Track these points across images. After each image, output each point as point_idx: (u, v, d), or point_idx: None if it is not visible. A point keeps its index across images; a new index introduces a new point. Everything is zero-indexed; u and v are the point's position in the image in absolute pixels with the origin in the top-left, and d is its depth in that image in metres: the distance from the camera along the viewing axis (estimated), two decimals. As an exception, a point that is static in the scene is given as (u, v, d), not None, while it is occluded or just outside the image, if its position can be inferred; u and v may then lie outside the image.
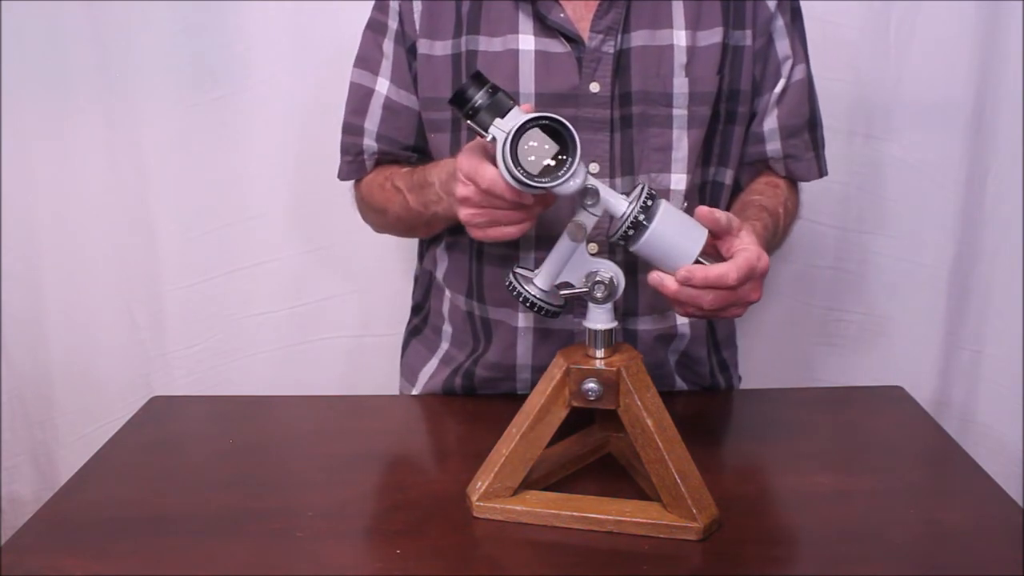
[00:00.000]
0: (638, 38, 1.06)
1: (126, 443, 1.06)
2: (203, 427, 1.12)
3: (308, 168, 1.54)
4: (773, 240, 1.07)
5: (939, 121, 1.50)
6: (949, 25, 1.46)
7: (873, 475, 0.96)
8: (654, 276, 0.88)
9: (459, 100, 0.84)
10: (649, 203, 0.84)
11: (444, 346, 1.21)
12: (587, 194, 0.85)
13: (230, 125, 1.54)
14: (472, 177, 0.87)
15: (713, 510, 0.85)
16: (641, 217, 0.84)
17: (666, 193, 1.08)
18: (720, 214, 0.89)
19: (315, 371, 1.64)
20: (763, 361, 1.55)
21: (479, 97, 0.83)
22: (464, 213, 0.90)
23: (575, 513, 0.86)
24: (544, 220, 1.08)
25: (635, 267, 1.06)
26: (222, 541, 0.85)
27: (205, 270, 1.60)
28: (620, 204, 0.85)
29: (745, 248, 0.88)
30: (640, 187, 0.86)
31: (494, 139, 0.83)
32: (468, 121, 0.84)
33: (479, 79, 0.84)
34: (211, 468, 1.00)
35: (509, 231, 0.89)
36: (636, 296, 1.11)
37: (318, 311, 1.62)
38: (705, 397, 1.19)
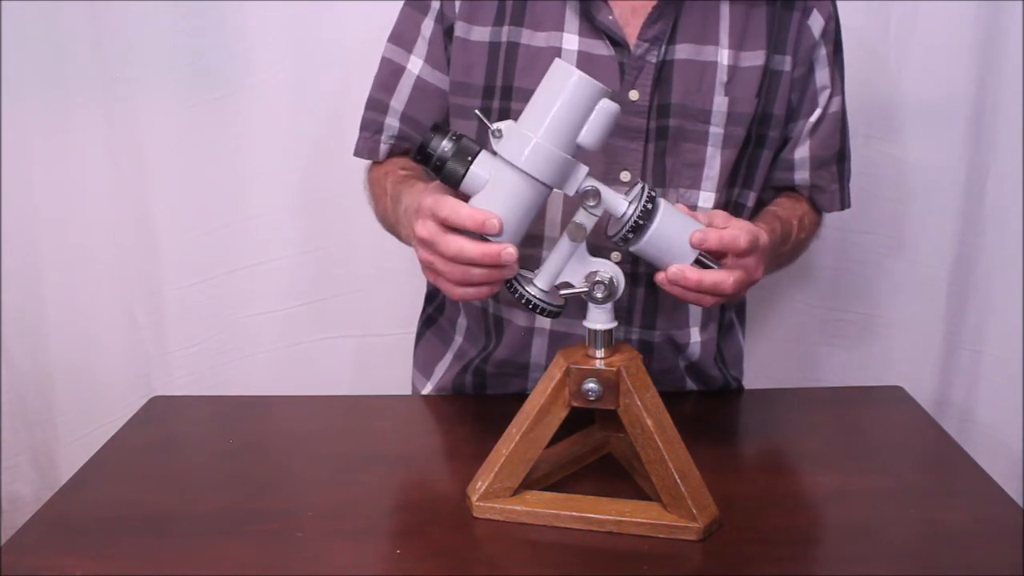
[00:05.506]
0: (682, 51, 1.05)
1: (126, 443, 1.06)
2: (203, 427, 1.12)
3: (308, 168, 1.54)
4: (783, 247, 1.07)
5: (939, 121, 1.50)
6: (949, 25, 1.46)
7: (873, 475, 0.96)
8: (660, 276, 0.87)
9: (423, 153, 0.83)
10: (650, 205, 0.84)
11: (458, 340, 1.21)
12: (588, 195, 0.84)
13: (230, 125, 1.54)
14: (433, 210, 0.82)
15: (713, 510, 0.85)
16: (642, 221, 0.84)
17: (693, 210, 1.07)
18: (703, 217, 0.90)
19: (315, 371, 1.64)
20: (763, 361, 1.55)
21: (444, 146, 0.82)
22: (421, 254, 0.86)
23: (575, 513, 0.86)
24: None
25: (655, 285, 0.96)
26: (222, 541, 0.85)
27: (205, 270, 1.60)
28: (621, 205, 0.85)
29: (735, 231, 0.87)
30: (640, 186, 0.86)
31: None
32: (436, 173, 0.83)
33: (439, 129, 0.83)
34: (211, 468, 1.00)
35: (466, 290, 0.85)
36: (655, 312, 1.11)
37: (318, 311, 1.62)
38: (705, 397, 1.18)
